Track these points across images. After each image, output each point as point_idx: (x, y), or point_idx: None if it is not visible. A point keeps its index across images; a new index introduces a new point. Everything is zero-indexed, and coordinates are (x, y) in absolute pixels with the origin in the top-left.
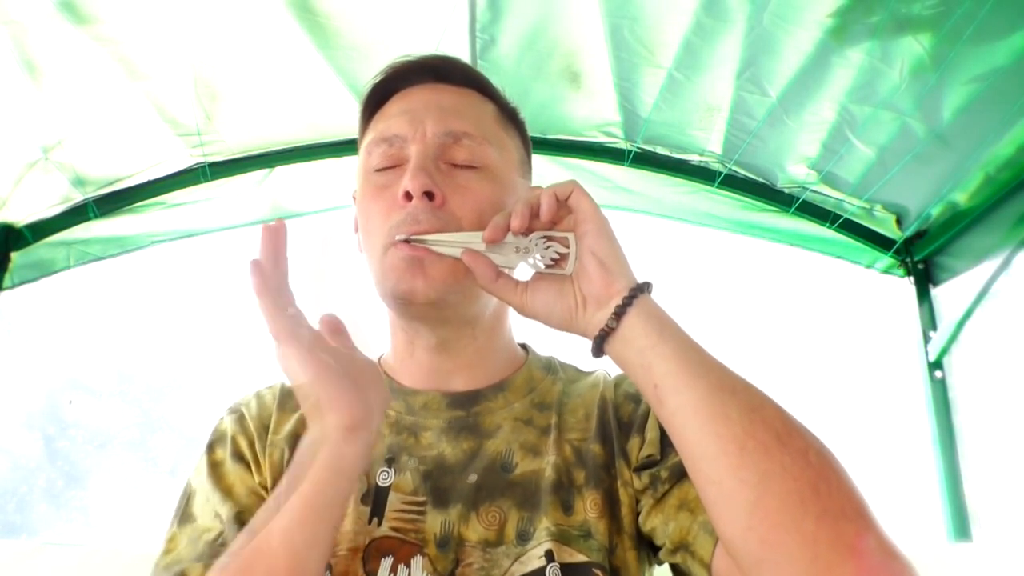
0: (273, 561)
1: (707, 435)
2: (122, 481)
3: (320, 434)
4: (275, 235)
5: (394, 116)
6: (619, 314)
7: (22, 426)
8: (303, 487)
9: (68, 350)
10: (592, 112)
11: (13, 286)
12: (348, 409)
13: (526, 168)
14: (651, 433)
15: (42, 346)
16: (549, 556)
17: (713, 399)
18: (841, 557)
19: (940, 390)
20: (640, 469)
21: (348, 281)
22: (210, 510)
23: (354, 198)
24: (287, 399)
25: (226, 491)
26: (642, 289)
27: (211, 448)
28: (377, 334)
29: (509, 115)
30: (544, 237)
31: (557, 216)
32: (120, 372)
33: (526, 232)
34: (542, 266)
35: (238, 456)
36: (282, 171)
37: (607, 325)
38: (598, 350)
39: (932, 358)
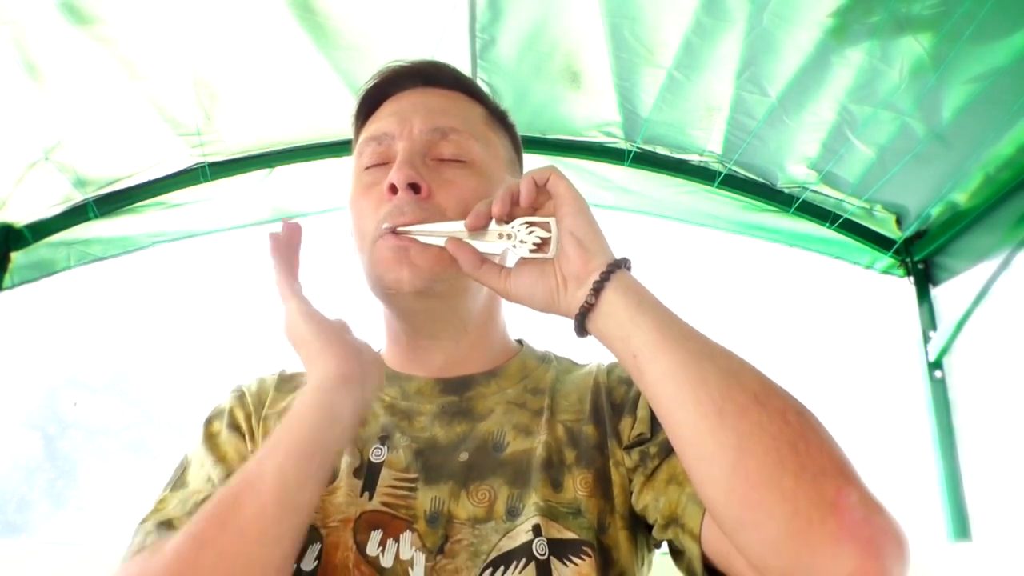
0: (262, 496)
1: (686, 400)
2: (122, 480)
3: (316, 381)
4: (293, 231)
5: (384, 117)
6: (598, 289)
7: (23, 426)
8: (296, 427)
9: (68, 350)
10: (592, 112)
11: (13, 286)
12: (343, 359)
13: (515, 169)
14: (642, 412)
15: (42, 346)
16: (536, 530)
17: (691, 365)
18: (822, 513)
19: (940, 390)
20: (631, 447)
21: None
22: (203, 475)
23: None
24: (285, 382)
25: (220, 457)
26: (620, 264)
27: (209, 422)
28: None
29: (498, 117)
30: (526, 223)
31: (538, 202)
32: (120, 372)
33: (508, 219)
34: (526, 251)
35: (234, 427)
36: (282, 171)
37: (586, 301)
38: (580, 328)
39: (932, 358)
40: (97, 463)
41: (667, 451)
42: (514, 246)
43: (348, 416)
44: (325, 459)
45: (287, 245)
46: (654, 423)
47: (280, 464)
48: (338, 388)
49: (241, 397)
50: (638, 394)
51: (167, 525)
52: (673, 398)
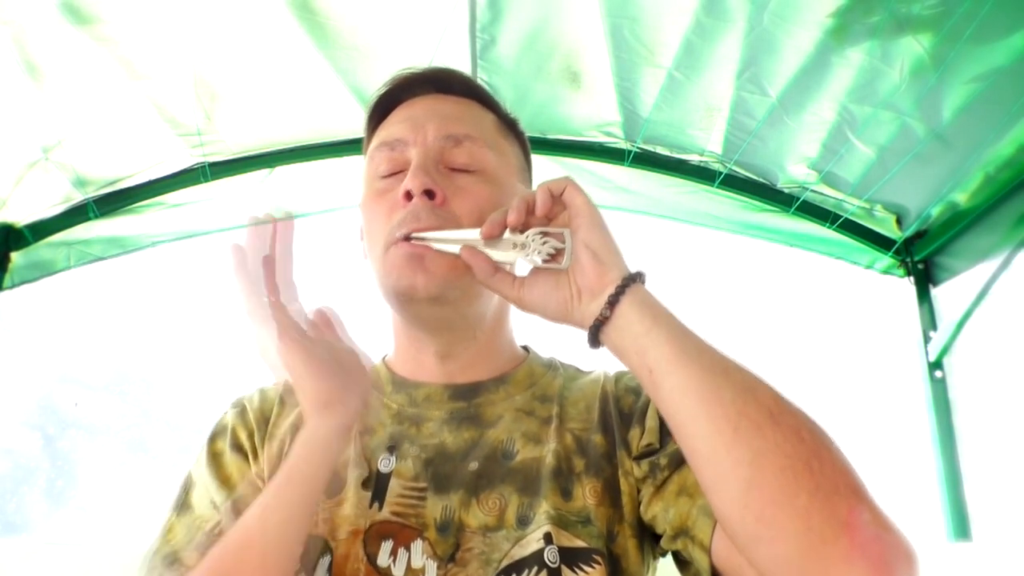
0: (265, 556)
1: (701, 415)
2: (123, 481)
3: (310, 433)
4: (285, 230)
5: (397, 123)
6: (613, 303)
7: (22, 425)
8: (297, 481)
9: (68, 350)
10: (592, 112)
11: (13, 286)
12: (321, 385)
13: (526, 176)
14: (651, 422)
15: (42, 346)
16: (548, 539)
17: (707, 380)
18: (835, 531)
19: (940, 390)
20: (640, 458)
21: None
22: (208, 500)
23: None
24: (290, 394)
25: (224, 480)
26: (635, 278)
27: (212, 440)
28: (379, 339)
29: (509, 125)
30: (541, 233)
31: (553, 212)
32: (120, 371)
33: (523, 229)
34: (539, 261)
35: (237, 447)
36: (282, 171)
37: (601, 314)
38: (594, 340)
39: (932, 358)
40: (97, 463)
41: (677, 463)
42: (528, 256)
43: (331, 441)
44: (312, 487)
45: (267, 249)
46: (663, 434)
47: (282, 523)
48: (320, 415)
49: (243, 413)
50: (646, 404)
51: (173, 559)
52: (688, 413)
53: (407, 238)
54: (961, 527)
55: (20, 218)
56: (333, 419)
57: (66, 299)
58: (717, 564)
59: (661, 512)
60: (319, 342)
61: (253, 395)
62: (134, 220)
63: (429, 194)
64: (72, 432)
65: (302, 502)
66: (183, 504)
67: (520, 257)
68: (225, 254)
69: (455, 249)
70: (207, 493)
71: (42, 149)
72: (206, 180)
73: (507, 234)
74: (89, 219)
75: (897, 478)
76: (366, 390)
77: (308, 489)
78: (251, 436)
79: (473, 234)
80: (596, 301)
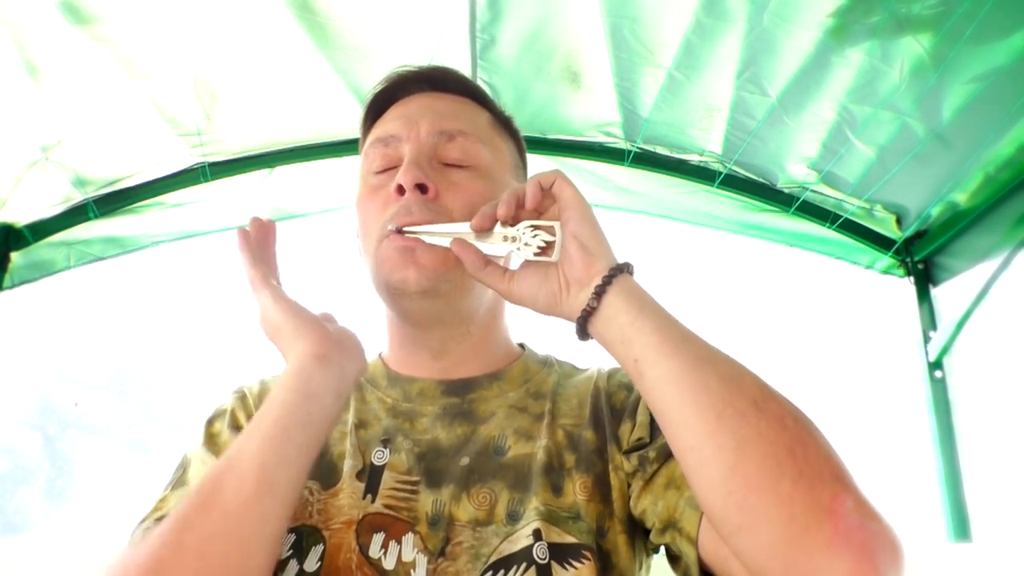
0: (242, 476)
1: (686, 404)
2: (122, 480)
3: (291, 362)
4: (265, 228)
5: (391, 120)
6: (599, 293)
7: (22, 425)
8: (273, 408)
9: (68, 350)
10: (592, 112)
11: (13, 286)
12: (317, 338)
13: (520, 174)
14: (642, 417)
15: (42, 346)
16: (537, 535)
17: (692, 369)
18: (818, 519)
19: (940, 390)
20: (630, 452)
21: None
22: (204, 473)
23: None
24: None
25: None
26: (622, 269)
27: (210, 422)
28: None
29: (503, 123)
30: (531, 226)
31: (543, 206)
32: (120, 371)
33: (514, 222)
34: (530, 254)
35: (235, 428)
36: (282, 171)
37: (588, 305)
38: (582, 331)
39: (932, 358)
40: (97, 463)
41: (666, 456)
42: (518, 249)
43: (326, 394)
44: (306, 436)
45: (258, 241)
46: (653, 428)
47: (258, 443)
48: (312, 367)
49: (243, 398)
50: (638, 399)
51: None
52: (673, 402)
53: (399, 231)
54: (961, 527)
55: (20, 218)
56: (328, 371)
57: (66, 299)
58: (704, 556)
59: (650, 505)
60: (320, 315)
61: (254, 384)
62: (134, 220)
63: (421, 188)
64: (72, 432)
65: (280, 427)
66: (178, 481)
67: (510, 250)
68: (232, 237)
69: (446, 242)
70: (203, 469)
71: (42, 149)
72: (206, 180)
73: (498, 227)
74: (89, 219)
75: (897, 478)
76: (362, 365)
77: (287, 417)
78: (250, 419)
79: (464, 227)
80: (584, 292)
